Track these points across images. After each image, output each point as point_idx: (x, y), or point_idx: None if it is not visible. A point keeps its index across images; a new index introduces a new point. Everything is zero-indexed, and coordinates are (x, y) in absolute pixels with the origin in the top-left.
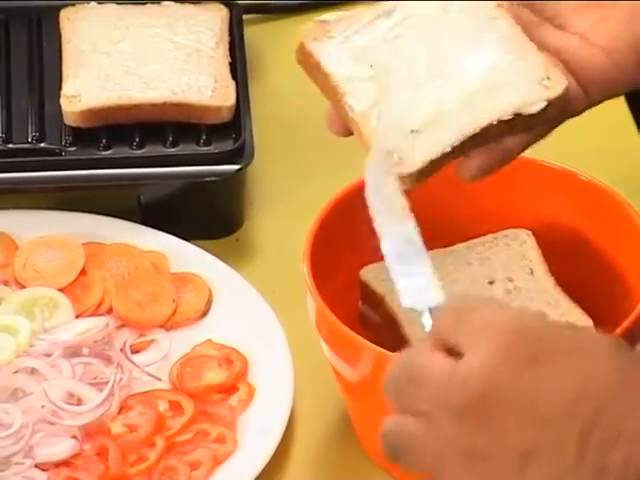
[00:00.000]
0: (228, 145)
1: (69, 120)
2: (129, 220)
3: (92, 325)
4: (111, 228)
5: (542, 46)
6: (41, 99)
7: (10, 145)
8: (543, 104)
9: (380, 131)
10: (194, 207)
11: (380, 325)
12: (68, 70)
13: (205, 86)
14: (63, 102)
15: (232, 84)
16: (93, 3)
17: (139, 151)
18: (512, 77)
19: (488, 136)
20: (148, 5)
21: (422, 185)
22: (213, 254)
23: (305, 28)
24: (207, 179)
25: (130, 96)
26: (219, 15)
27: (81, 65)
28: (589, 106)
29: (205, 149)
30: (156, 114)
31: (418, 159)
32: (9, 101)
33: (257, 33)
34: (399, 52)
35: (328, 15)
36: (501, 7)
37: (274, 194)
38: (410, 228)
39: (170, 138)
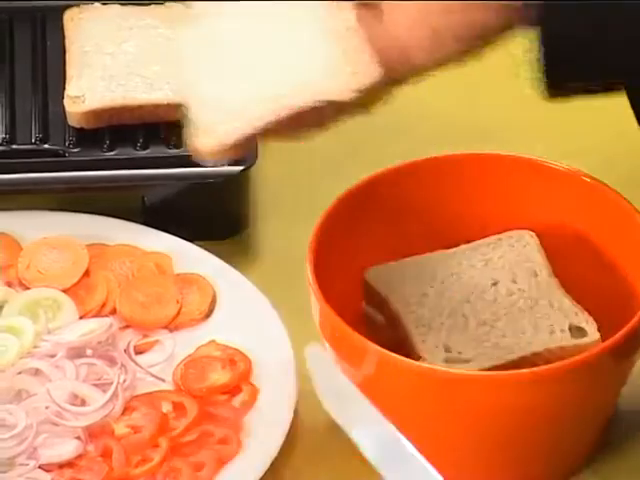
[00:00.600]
0: None
1: (73, 121)
2: (133, 221)
3: (96, 326)
4: (115, 229)
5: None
6: (45, 100)
7: (14, 146)
8: (352, 94)
9: (193, 107)
10: (198, 208)
11: (384, 326)
12: (72, 71)
13: None
14: (67, 103)
15: None
16: (97, 4)
17: (143, 152)
18: (324, 64)
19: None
20: (152, 6)
21: (422, 186)
22: (217, 255)
23: None
24: (211, 180)
25: (134, 97)
26: None
27: (85, 66)
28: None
29: None
30: (160, 115)
31: (228, 136)
32: (13, 102)
33: None
34: (221, 32)
35: None
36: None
37: (278, 195)
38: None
39: (174, 139)
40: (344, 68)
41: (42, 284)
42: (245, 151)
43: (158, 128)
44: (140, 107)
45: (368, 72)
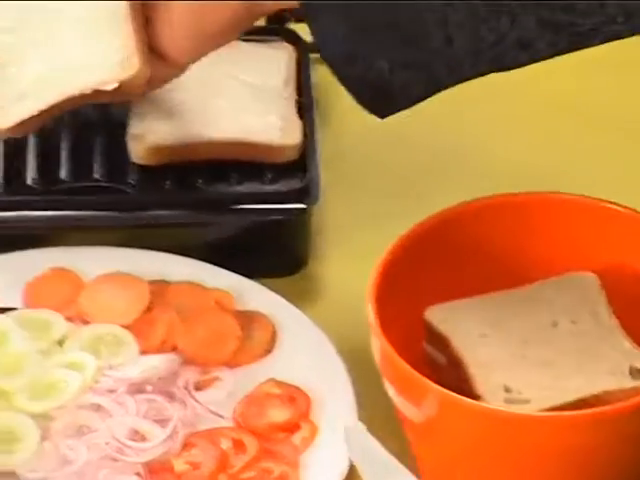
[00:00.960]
0: (294, 184)
1: (136, 158)
2: (195, 258)
3: (156, 362)
4: (176, 266)
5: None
6: (109, 136)
7: (77, 183)
8: (115, 84)
9: None
10: (259, 245)
11: (445, 366)
12: (136, 108)
13: (272, 125)
14: (130, 139)
15: (299, 123)
16: None
17: (205, 189)
18: (95, 56)
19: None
20: None
21: (484, 226)
22: (278, 292)
23: None
24: (273, 218)
25: (196, 134)
26: (286, 53)
27: (149, 102)
28: None
29: (271, 188)
30: (222, 152)
31: (13, 116)
32: (77, 138)
33: (324, 72)
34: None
35: None
36: None
37: (340, 233)
38: None
39: (236, 177)
40: (111, 57)
41: (104, 320)
42: (32, 130)
43: (220, 165)
44: (202, 144)
45: (132, 64)
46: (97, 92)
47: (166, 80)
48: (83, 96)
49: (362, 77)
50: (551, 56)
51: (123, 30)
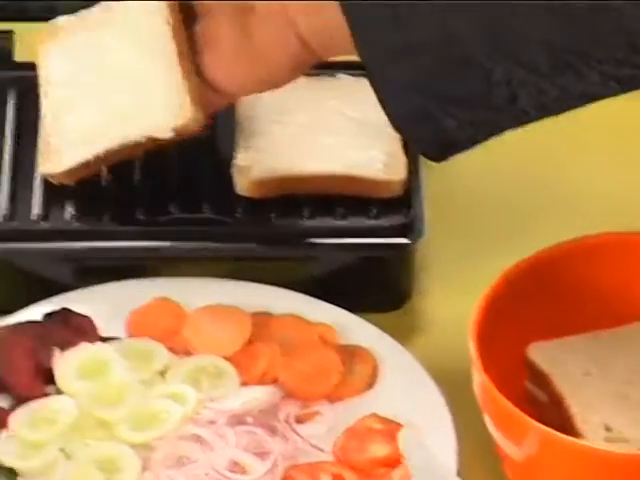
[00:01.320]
0: (399, 219)
1: (241, 190)
2: (298, 291)
3: (258, 394)
4: (279, 299)
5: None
6: (215, 168)
7: (184, 214)
8: (171, 133)
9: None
10: (363, 280)
11: (546, 404)
12: (241, 139)
13: (377, 160)
14: (235, 172)
15: (404, 158)
16: None
17: (310, 223)
18: (150, 104)
19: (129, 149)
20: (322, 77)
21: (589, 263)
22: (380, 327)
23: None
24: (377, 253)
25: (302, 168)
26: None
27: (254, 135)
28: None
29: (375, 223)
30: (327, 187)
31: (67, 161)
32: (184, 170)
33: None
34: (88, 60)
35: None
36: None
37: (443, 268)
38: None
39: (341, 211)
40: (166, 105)
41: (206, 351)
42: (85, 176)
43: (325, 199)
44: (307, 178)
45: (186, 111)
46: (152, 139)
47: (219, 107)
48: (138, 144)
49: (429, 135)
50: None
51: (176, 78)
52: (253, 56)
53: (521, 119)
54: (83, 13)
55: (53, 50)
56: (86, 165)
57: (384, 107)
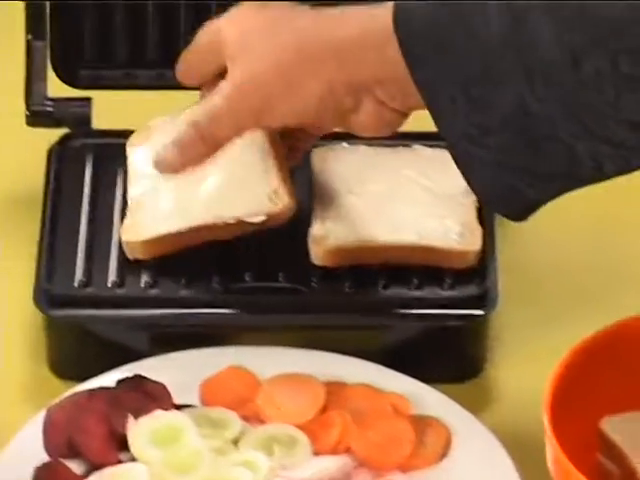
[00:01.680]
0: (472, 290)
1: (316, 259)
2: (371, 361)
3: (330, 464)
4: (353, 368)
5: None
6: (290, 237)
7: (258, 283)
8: (263, 217)
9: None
10: (436, 350)
11: (619, 477)
12: (318, 209)
13: (452, 230)
14: (311, 241)
15: (479, 229)
16: (344, 144)
17: (384, 293)
18: (244, 188)
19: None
20: (398, 148)
21: None
22: (453, 398)
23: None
24: (450, 323)
25: (376, 238)
26: None
27: (331, 205)
28: None
29: (449, 293)
30: (401, 256)
31: (148, 233)
32: (261, 239)
33: None
34: None
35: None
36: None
37: (517, 338)
38: None
39: (415, 281)
40: (261, 191)
41: (278, 420)
42: (166, 252)
43: (400, 268)
44: (382, 248)
45: (281, 198)
46: (242, 223)
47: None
48: (227, 225)
49: (511, 203)
50: None
51: (271, 165)
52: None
53: (603, 179)
54: (173, 115)
55: (142, 147)
56: (167, 239)
57: (467, 181)
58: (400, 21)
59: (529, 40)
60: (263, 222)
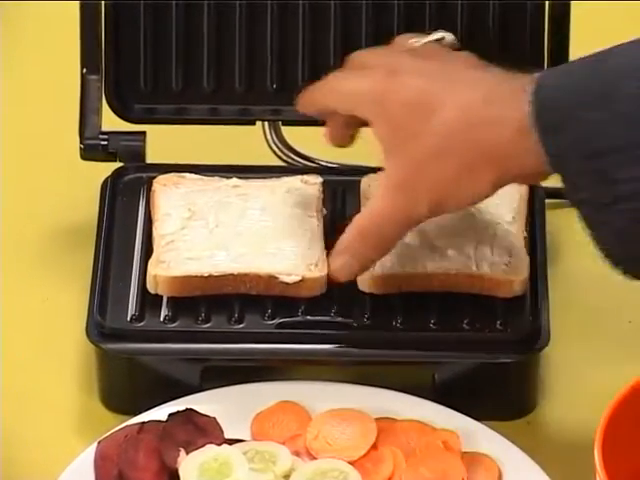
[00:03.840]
0: (524, 327)
1: (363, 286)
2: (422, 397)
3: None
4: (404, 404)
5: None
6: None
7: (308, 317)
8: (298, 278)
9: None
10: (487, 387)
11: None
12: None
13: (499, 259)
14: None
15: (526, 257)
16: None
17: (435, 329)
18: (285, 246)
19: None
20: None
21: None
22: (505, 435)
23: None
24: (502, 360)
25: (424, 265)
26: (518, 192)
27: None
28: None
29: (501, 329)
30: (449, 284)
31: (180, 271)
32: None
33: (556, 216)
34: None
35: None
36: None
37: (567, 377)
38: None
39: (465, 314)
40: (301, 254)
41: (329, 455)
42: (192, 293)
43: (448, 298)
44: (430, 275)
45: (320, 268)
46: (271, 278)
47: None
48: (257, 278)
49: (636, 262)
50: None
51: (316, 236)
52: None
53: None
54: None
55: (170, 189)
56: (196, 282)
57: (593, 241)
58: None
59: None
60: (295, 284)
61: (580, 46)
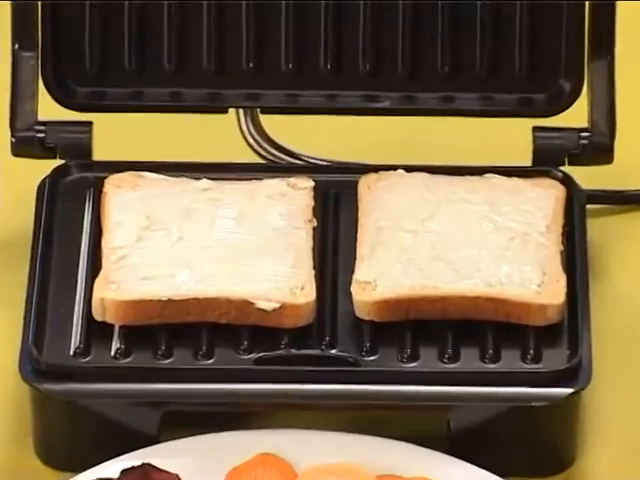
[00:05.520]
0: (560, 362)
1: (361, 313)
2: (434, 449)
3: None
4: (411, 457)
5: None
6: (333, 288)
7: (293, 350)
8: (277, 305)
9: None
10: (513, 436)
11: None
12: (363, 250)
13: (530, 278)
14: (355, 289)
15: (563, 278)
16: (400, 170)
17: (450, 364)
18: (267, 271)
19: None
20: (467, 177)
21: None
22: None
23: None
24: (532, 403)
25: (437, 286)
26: (554, 194)
27: (379, 244)
28: None
29: (530, 365)
30: (468, 310)
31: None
32: None
33: (600, 225)
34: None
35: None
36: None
37: (612, 423)
38: None
39: (487, 346)
40: (284, 279)
41: None
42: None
43: (467, 327)
44: (443, 299)
45: (306, 294)
46: (246, 305)
47: None
48: (228, 304)
49: None
50: None
51: (303, 253)
52: None
53: None
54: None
55: (127, 193)
56: (152, 306)
57: None
58: None
59: None
60: (276, 312)
61: None
